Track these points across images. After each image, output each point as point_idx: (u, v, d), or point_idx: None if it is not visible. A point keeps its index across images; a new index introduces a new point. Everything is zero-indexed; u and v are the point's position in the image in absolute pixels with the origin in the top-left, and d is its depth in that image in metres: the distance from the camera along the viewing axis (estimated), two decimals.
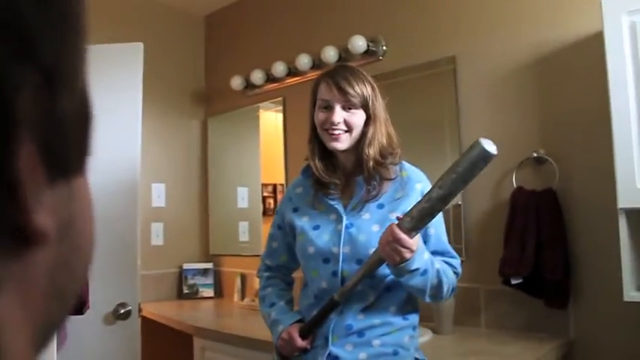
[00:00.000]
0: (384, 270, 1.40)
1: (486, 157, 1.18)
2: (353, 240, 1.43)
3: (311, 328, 1.46)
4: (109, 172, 2.19)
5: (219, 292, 3.41)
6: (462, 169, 1.20)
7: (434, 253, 1.44)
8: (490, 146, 1.17)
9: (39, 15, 0.22)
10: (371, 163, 1.44)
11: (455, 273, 1.48)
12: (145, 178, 2.94)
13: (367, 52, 2.63)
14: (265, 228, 3.05)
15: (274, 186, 3.26)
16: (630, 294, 1.65)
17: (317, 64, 2.87)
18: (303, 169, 1.60)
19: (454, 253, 1.51)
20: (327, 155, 1.53)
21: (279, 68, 3.01)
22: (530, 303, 2.04)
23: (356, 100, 1.44)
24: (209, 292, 3.36)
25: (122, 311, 2.24)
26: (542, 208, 2.00)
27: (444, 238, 1.50)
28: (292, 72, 3.01)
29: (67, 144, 0.24)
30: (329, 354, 1.42)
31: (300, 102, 2.89)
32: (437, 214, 1.30)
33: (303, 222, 1.52)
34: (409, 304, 1.49)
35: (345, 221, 1.46)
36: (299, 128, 2.91)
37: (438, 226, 1.48)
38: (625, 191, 1.65)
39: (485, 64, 2.28)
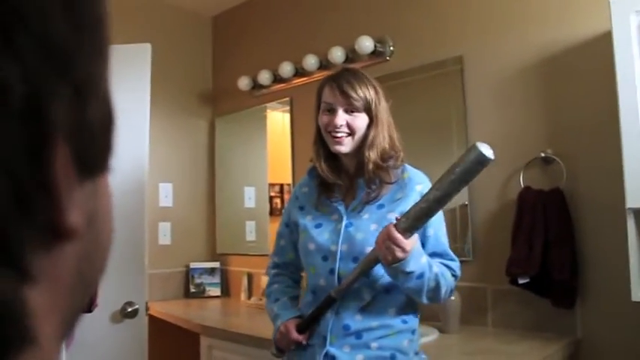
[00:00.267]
0: (380, 270, 1.41)
1: (483, 161, 1.18)
2: (351, 238, 1.45)
3: (308, 323, 1.48)
4: (117, 171, 2.14)
5: (226, 291, 3.42)
6: (459, 171, 1.21)
7: (432, 254, 1.44)
8: (487, 150, 1.17)
9: (72, 27, 0.23)
10: (371, 166, 1.46)
11: (453, 276, 1.47)
12: (152, 178, 2.96)
13: (374, 53, 2.63)
14: (272, 227, 3.06)
15: (281, 186, 3.26)
16: (638, 294, 1.64)
17: (324, 64, 2.87)
18: (309, 170, 1.63)
19: (453, 256, 1.50)
20: (332, 157, 1.55)
21: (286, 69, 3.01)
22: (538, 302, 2.04)
23: (358, 104, 1.46)
24: (216, 291, 3.37)
25: (129, 310, 2.25)
26: (550, 207, 1.99)
27: (444, 239, 1.50)
28: (299, 72, 3.02)
29: (94, 146, 0.26)
30: (326, 354, 1.43)
31: (307, 102, 2.89)
32: (433, 215, 1.30)
33: (306, 220, 1.55)
34: (408, 307, 1.49)
35: (344, 221, 1.48)
36: (306, 128, 2.91)
37: (437, 227, 1.48)
38: (633, 191, 1.64)
39: (492, 64, 2.27)
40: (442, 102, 2.43)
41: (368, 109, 1.48)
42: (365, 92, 1.47)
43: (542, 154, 2.07)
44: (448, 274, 1.45)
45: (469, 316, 2.20)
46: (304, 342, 1.48)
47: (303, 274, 1.71)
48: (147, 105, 2.36)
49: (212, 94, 3.68)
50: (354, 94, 1.45)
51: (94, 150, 0.26)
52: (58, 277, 0.25)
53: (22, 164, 0.21)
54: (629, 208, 1.65)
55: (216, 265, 3.43)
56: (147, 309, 2.32)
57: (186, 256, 3.42)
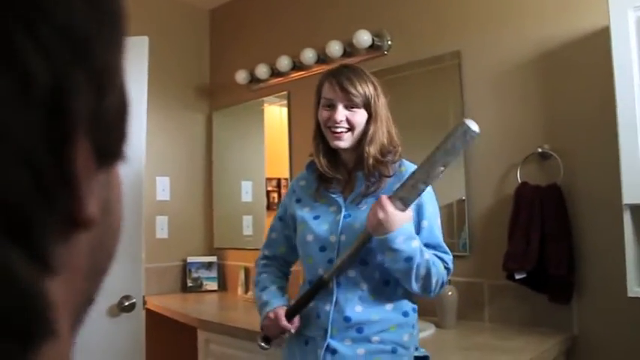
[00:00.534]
0: (377, 259, 1.44)
1: (467, 131, 1.29)
2: (349, 228, 1.47)
3: (298, 308, 1.49)
4: None
5: (223, 286, 3.42)
6: (446, 141, 1.32)
7: (426, 246, 1.46)
8: (473, 125, 1.29)
9: (92, 20, 0.24)
10: (371, 161, 1.48)
11: (446, 268, 1.48)
12: (149, 172, 2.96)
13: (372, 47, 2.63)
14: (269, 222, 3.05)
15: (278, 180, 3.26)
16: (634, 289, 1.65)
17: (322, 58, 2.86)
18: (308, 165, 1.64)
19: (447, 249, 1.52)
20: (331, 152, 1.57)
21: (283, 62, 3.00)
22: (534, 298, 2.04)
23: (358, 100, 1.49)
24: (213, 286, 3.38)
25: (127, 304, 2.25)
26: (547, 203, 2.00)
27: (438, 232, 1.52)
28: (297, 66, 3.01)
29: (111, 135, 0.27)
30: (327, 347, 1.44)
31: (305, 96, 2.89)
32: (420, 183, 1.35)
33: (304, 212, 1.57)
34: (407, 300, 1.51)
35: (343, 212, 1.50)
36: (303, 122, 2.91)
37: (432, 220, 1.50)
38: (630, 187, 1.64)
39: (490, 58, 2.27)
40: (440, 97, 2.43)
41: (367, 105, 1.50)
42: (364, 88, 1.49)
43: (540, 150, 2.08)
44: (440, 265, 1.46)
45: (466, 311, 2.20)
46: (293, 330, 1.49)
47: (293, 268, 1.72)
48: (144, 98, 2.35)
49: (209, 88, 3.67)
50: (353, 90, 1.48)
51: (110, 139, 0.27)
52: (74, 267, 0.25)
53: (44, 155, 0.22)
54: (626, 204, 1.66)
55: (213, 259, 3.43)
56: (144, 303, 2.32)
57: (184, 250, 3.42)
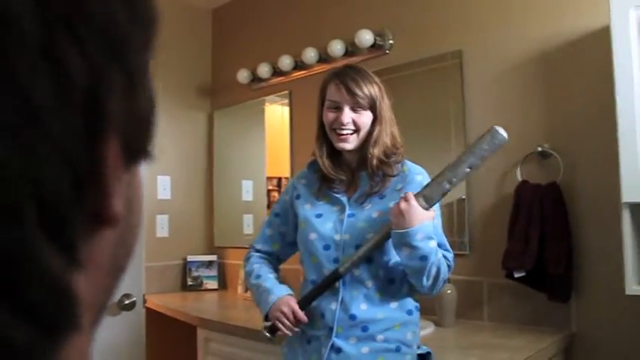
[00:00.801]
0: (382, 257, 1.45)
1: (496, 134, 1.35)
2: (353, 227, 1.47)
3: (311, 300, 1.48)
4: None
5: (223, 284, 3.42)
6: (474, 143, 1.37)
7: None
8: (502, 131, 1.36)
9: (129, 21, 0.24)
10: (375, 162, 1.49)
11: (448, 266, 1.49)
12: (150, 171, 2.96)
13: (374, 46, 2.63)
14: None
15: (279, 179, 3.27)
16: (633, 288, 1.65)
17: (323, 57, 2.87)
18: (309, 164, 1.64)
19: (449, 247, 1.53)
20: (334, 152, 1.57)
21: (285, 62, 3.01)
22: (533, 296, 2.05)
23: (364, 102, 1.49)
24: (213, 284, 3.38)
25: (127, 302, 2.25)
26: (547, 202, 2.00)
27: (441, 231, 1.53)
28: (299, 65, 3.01)
29: (140, 135, 0.27)
30: (332, 345, 1.44)
31: (307, 95, 2.90)
32: (445, 183, 1.37)
33: (306, 210, 1.56)
34: (411, 298, 1.51)
35: (347, 211, 1.50)
36: (305, 122, 2.92)
37: (435, 217, 1.50)
38: (629, 185, 1.65)
39: (491, 58, 2.28)
40: (441, 96, 2.44)
41: (373, 107, 1.50)
42: (370, 90, 1.49)
43: (540, 149, 2.08)
44: (445, 264, 1.46)
45: (465, 310, 2.21)
46: (306, 321, 1.47)
47: (294, 267, 1.71)
48: None
49: (211, 87, 3.67)
50: (360, 93, 1.48)
51: (138, 139, 0.27)
52: (98, 263, 0.26)
53: (80, 154, 0.22)
54: (625, 203, 1.66)
55: (213, 258, 3.44)
56: (144, 301, 2.32)
57: (184, 249, 3.42)
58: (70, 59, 0.21)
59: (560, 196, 2.00)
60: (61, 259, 0.22)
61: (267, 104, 3.32)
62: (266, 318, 1.53)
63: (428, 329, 2.04)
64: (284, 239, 1.65)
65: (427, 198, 1.38)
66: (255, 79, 3.25)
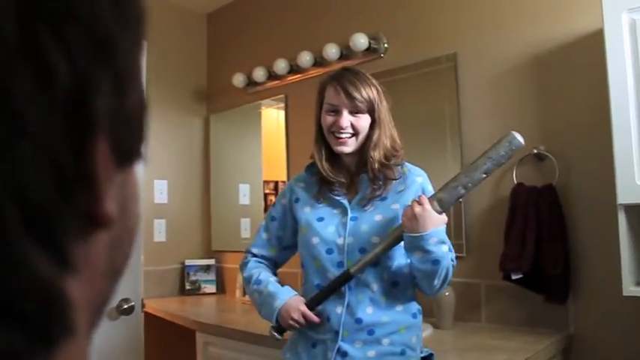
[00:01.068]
0: (387, 260, 1.45)
1: (511, 140, 1.36)
2: (356, 230, 1.47)
3: (320, 300, 1.47)
4: None
5: (221, 288, 3.42)
6: (490, 148, 1.36)
7: None
8: (519, 136, 1.38)
9: (116, 21, 0.24)
10: (376, 165, 1.48)
11: (452, 266, 1.50)
12: (147, 175, 2.96)
13: (369, 50, 2.64)
14: None
15: (276, 183, 3.27)
16: (629, 289, 1.66)
17: (319, 61, 2.88)
18: (307, 167, 1.63)
19: (451, 246, 1.52)
20: (332, 155, 1.56)
21: (280, 65, 3.02)
22: (531, 298, 2.06)
23: (363, 105, 1.48)
24: (211, 288, 3.38)
25: (125, 306, 2.25)
26: (543, 204, 2.01)
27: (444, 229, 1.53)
28: (294, 69, 3.02)
29: (130, 136, 0.27)
30: (338, 349, 1.43)
31: (302, 99, 2.91)
32: (460, 188, 1.37)
33: (306, 213, 1.55)
34: (414, 301, 1.52)
35: (349, 214, 1.49)
36: (301, 125, 2.93)
37: None
38: (624, 187, 1.66)
39: (486, 61, 2.29)
40: (436, 99, 2.45)
41: (371, 110, 1.50)
42: (368, 93, 1.48)
43: (535, 151, 2.09)
44: (451, 265, 1.47)
45: (463, 312, 2.22)
46: (318, 321, 1.46)
47: (294, 271, 1.71)
48: None
49: (207, 91, 3.68)
50: (358, 96, 1.47)
51: (129, 140, 0.27)
52: (93, 266, 0.25)
53: (65, 155, 0.22)
54: (620, 204, 1.67)
55: (211, 262, 3.44)
56: (142, 306, 2.32)
57: (182, 253, 3.42)
58: (54, 60, 0.21)
59: (556, 198, 2.01)
60: (51, 264, 0.21)
61: (263, 108, 3.33)
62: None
63: (426, 331, 2.04)
64: (281, 243, 1.64)
65: (442, 202, 1.38)
66: (251, 83, 3.25)
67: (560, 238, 1.97)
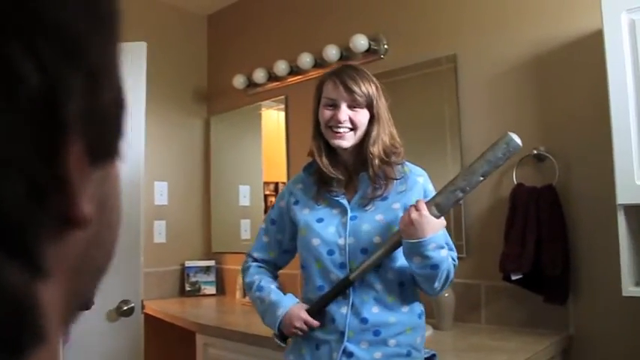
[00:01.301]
0: (390, 261, 1.44)
1: (508, 141, 1.34)
2: (356, 230, 1.46)
3: (321, 307, 1.47)
4: None
5: (221, 290, 3.42)
6: (487, 150, 1.35)
7: None
8: (516, 138, 1.35)
9: (85, 19, 0.23)
10: (376, 162, 1.47)
11: (453, 265, 1.50)
12: (147, 176, 2.96)
13: (369, 51, 2.65)
14: None
15: (276, 184, 3.27)
16: (629, 289, 1.66)
17: (319, 62, 2.88)
18: (305, 167, 1.62)
19: (452, 246, 1.53)
20: (330, 151, 1.55)
21: (281, 67, 3.02)
22: (530, 299, 2.05)
23: (362, 99, 1.47)
24: (211, 290, 3.38)
25: (125, 308, 2.25)
26: (543, 204, 2.01)
27: (445, 230, 1.52)
28: (294, 71, 3.02)
29: (106, 133, 0.26)
30: (344, 350, 1.43)
31: (302, 100, 2.91)
32: (458, 191, 1.36)
33: (305, 215, 1.54)
34: (419, 302, 1.52)
35: (349, 214, 1.48)
36: (301, 127, 2.93)
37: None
38: (624, 187, 1.66)
39: (485, 61, 2.29)
40: (436, 100, 2.45)
41: (370, 105, 1.49)
42: (367, 88, 1.48)
43: (535, 151, 2.09)
44: (452, 266, 1.47)
45: (463, 313, 2.22)
46: (318, 325, 1.47)
47: (295, 272, 1.71)
48: (142, 103, 2.36)
49: (207, 93, 3.68)
50: (357, 90, 1.46)
51: (105, 137, 0.26)
52: (69, 265, 0.25)
53: (35, 160, 0.21)
54: (620, 204, 1.67)
55: (211, 263, 3.44)
56: (142, 307, 2.32)
57: (182, 254, 3.43)
58: (19, 61, 0.20)
59: (556, 199, 2.01)
60: (22, 273, 0.21)
61: (263, 109, 3.33)
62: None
63: (426, 332, 2.04)
64: (280, 246, 1.64)
65: (440, 207, 1.37)
66: (251, 84, 3.26)
67: (560, 239, 1.97)
